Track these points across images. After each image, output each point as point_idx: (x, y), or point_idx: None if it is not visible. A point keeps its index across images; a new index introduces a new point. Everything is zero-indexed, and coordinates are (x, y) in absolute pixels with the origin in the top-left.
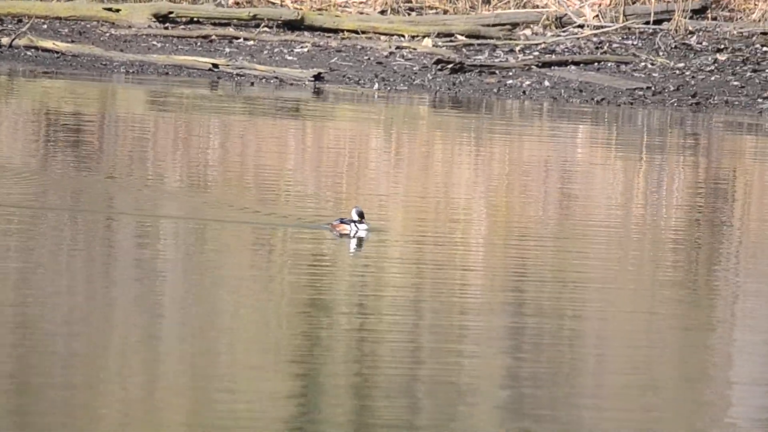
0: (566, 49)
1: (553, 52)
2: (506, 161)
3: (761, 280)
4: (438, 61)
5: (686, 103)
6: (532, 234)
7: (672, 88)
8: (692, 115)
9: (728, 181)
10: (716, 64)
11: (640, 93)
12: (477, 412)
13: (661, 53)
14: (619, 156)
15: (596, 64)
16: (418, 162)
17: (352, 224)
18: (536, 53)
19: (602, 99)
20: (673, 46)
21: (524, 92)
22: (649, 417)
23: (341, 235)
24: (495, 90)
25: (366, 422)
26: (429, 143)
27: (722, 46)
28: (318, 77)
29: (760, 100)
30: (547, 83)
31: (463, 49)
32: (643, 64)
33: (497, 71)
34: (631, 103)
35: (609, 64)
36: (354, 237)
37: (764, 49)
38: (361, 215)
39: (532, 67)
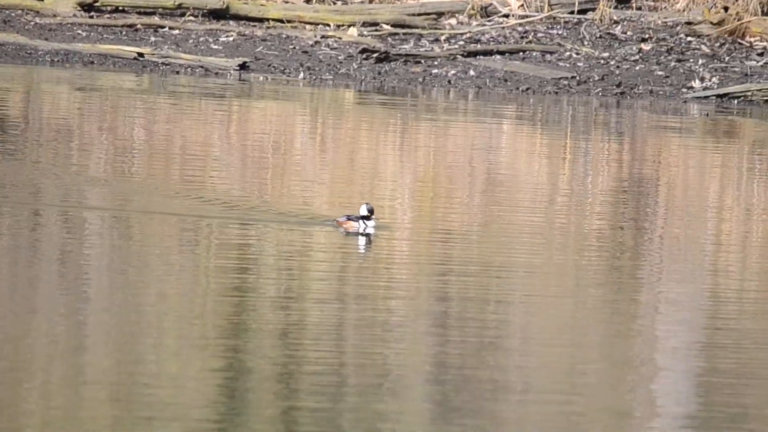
0: (491, 39)
1: (478, 41)
2: (431, 150)
3: (685, 264)
4: (363, 51)
5: (611, 93)
6: (457, 222)
7: (597, 78)
8: (617, 104)
9: (652, 168)
10: (641, 54)
11: (565, 82)
12: (402, 401)
13: (585, 43)
14: (544, 144)
15: (521, 53)
16: (343, 151)
17: (360, 221)
18: (461, 43)
19: (527, 88)
20: (597, 35)
21: (449, 81)
22: (572, 399)
23: (348, 233)
24: (420, 79)
25: (291, 407)
26: (355, 132)
27: (647, 36)
28: (243, 66)
29: (684, 90)
30: (472, 72)
31: (389, 39)
32: (568, 53)
33: (422, 60)
34: (556, 93)
35: (534, 54)
36: (362, 234)
37: (688, 38)
38: (371, 212)
39: (458, 56)
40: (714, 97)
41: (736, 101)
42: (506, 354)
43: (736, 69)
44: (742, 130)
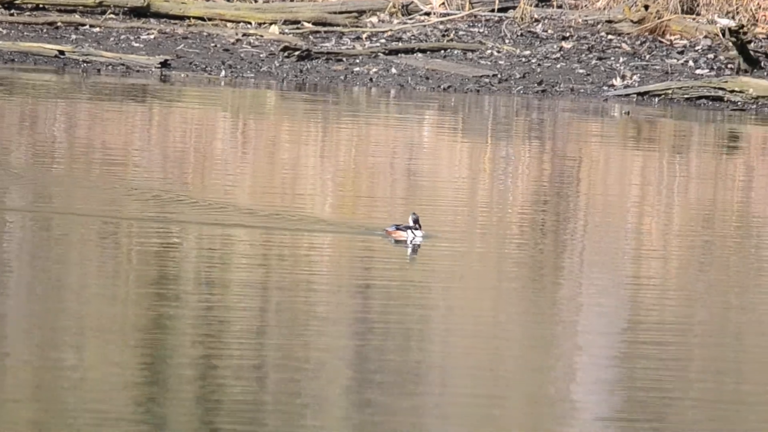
0: (413, 37)
1: (399, 39)
2: (352, 149)
3: (605, 257)
4: (285, 49)
5: (532, 91)
6: (378, 219)
7: (518, 76)
8: (538, 102)
9: (572, 165)
10: (562, 52)
11: (487, 80)
12: (323, 389)
13: (507, 41)
14: (465, 143)
15: (443, 51)
16: (264, 149)
17: (408, 231)
18: (383, 41)
19: (449, 86)
20: (518, 33)
21: (371, 79)
22: (492, 392)
23: (397, 242)
24: (342, 77)
25: (214, 400)
26: (276, 130)
27: (567, 34)
28: (164, 64)
29: (605, 88)
30: (393, 71)
31: (310, 37)
32: (489, 51)
33: (344, 59)
34: (478, 91)
35: (455, 52)
36: (411, 244)
37: (609, 37)
38: (416, 222)
39: (379, 54)
40: (635, 95)
41: (656, 99)
42: (427, 347)
43: (657, 67)
44: (662, 127)
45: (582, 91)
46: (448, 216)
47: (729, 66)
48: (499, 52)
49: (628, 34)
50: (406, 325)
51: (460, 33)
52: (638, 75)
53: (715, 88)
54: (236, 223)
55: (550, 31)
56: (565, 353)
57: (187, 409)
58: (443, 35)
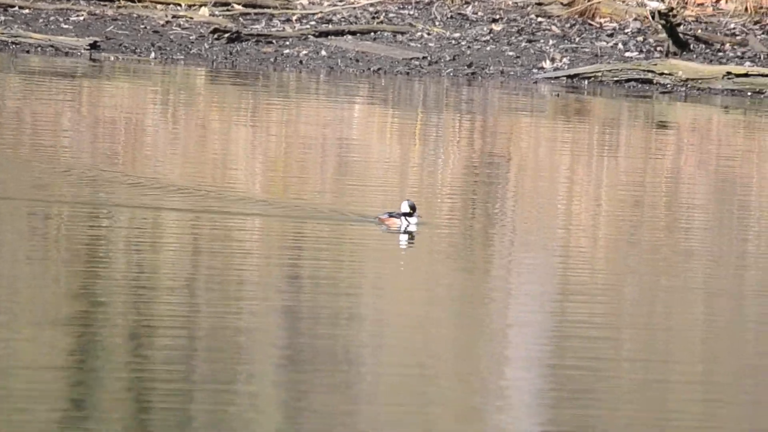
0: (343, 19)
1: (329, 21)
2: (282, 132)
3: (535, 241)
4: (215, 31)
5: (462, 73)
6: (308, 204)
7: (448, 58)
8: (468, 84)
9: (502, 147)
10: (491, 35)
11: (417, 63)
12: (253, 369)
13: (437, 23)
14: (395, 124)
15: (373, 33)
16: (194, 133)
17: (402, 218)
18: (313, 23)
19: (379, 69)
20: (449, 16)
21: (301, 62)
22: (424, 371)
23: (390, 230)
24: (272, 59)
25: (143, 381)
26: (206, 112)
27: (497, 17)
28: (94, 46)
29: (535, 70)
30: (323, 53)
31: (240, 19)
32: (419, 33)
33: (274, 41)
34: (408, 73)
35: (385, 34)
36: (404, 231)
37: (539, 19)
38: (413, 208)
39: (309, 36)
40: (564, 78)
41: (586, 81)
42: (359, 329)
43: (587, 50)
44: (591, 109)
45: (512, 73)
46: (377, 195)
47: (658, 49)
48: (429, 34)
49: (558, 16)
50: (338, 305)
51: (390, 15)
52: (568, 57)
53: (644, 70)
54: (169, 205)
55: (480, 14)
56: (496, 331)
57: (116, 392)
58: (373, 17)
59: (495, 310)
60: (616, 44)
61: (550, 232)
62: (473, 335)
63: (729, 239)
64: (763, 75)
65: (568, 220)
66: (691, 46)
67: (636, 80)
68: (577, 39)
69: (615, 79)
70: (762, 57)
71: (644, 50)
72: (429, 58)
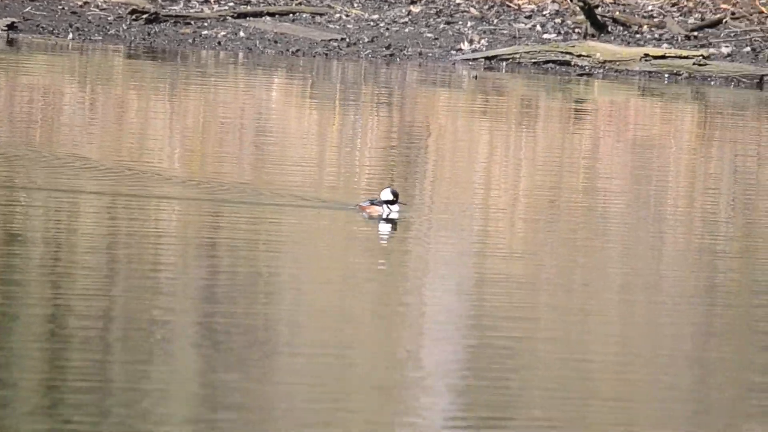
0: (261, 0)
1: (248, 2)
2: (200, 113)
3: (452, 223)
4: (133, 11)
5: (380, 55)
6: (225, 185)
7: (366, 40)
8: (386, 66)
9: (420, 129)
10: (410, 16)
11: (335, 44)
12: (170, 348)
13: (355, 4)
14: (314, 106)
15: (291, 15)
16: (111, 114)
17: (384, 205)
18: (231, 4)
19: (297, 50)
20: None
21: (219, 43)
22: (341, 351)
23: (371, 217)
24: (190, 40)
25: (58, 364)
26: (123, 92)
27: None
28: (11, 27)
29: (453, 52)
30: (242, 34)
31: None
32: (337, 15)
33: (192, 22)
34: (326, 54)
35: (304, 15)
36: (385, 219)
37: (457, 1)
38: (395, 195)
39: (228, 17)
40: (483, 59)
41: (504, 63)
42: (277, 307)
43: (505, 31)
44: (509, 91)
45: (430, 55)
46: (296, 176)
47: (576, 30)
48: (347, 15)
49: None
50: (255, 283)
51: None
52: (486, 39)
53: (562, 52)
54: (83, 185)
55: None
56: (412, 313)
57: (27, 372)
58: None
59: (412, 292)
60: (534, 26)
61: (467, 214)
62: (389, 317)
63: (645, 219)
64: (680, 57)
65: (485, 203)
66: (609, 28)
67: (554, 62)
68: (496, 21)
69: (533, 60)
70: (679, 39)
71: (562, 32)
72: (347, 40)
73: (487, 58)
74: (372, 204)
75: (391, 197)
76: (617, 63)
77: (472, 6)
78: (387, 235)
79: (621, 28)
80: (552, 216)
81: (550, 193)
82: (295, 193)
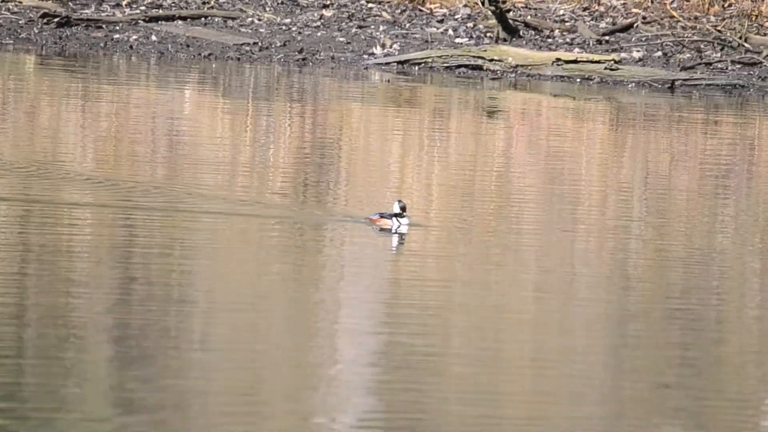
0: (173, 4)
1: (160, 6)
2: (113, 117)
3: (368, 228)
4: (44, 15)
5: (293, 59)
6: (141, 187)
7: (279, 44)
8: (299, 70)
9: (333, 132)
10: (322, 20)
11: (247, 48)
12: (84, 351)
13: (267, 9)
14: (226, 110)
15: (203, 19)
16: (23, 119)
17: (394, 219)
18: (143, 8)
19: (209, 54)
20: (279, 1)
21: (131, 47)
22: (254, 346)
23: (381, 230)
24: (102, 44)
25: None
26: (35, 96)
27: (328, 2)
28: None
29: (365, 56)
30: (154, 38)
31: (70, 3)
32: (250, 19)
33: (104, 25)
34: (239, 59)
35: (216, 20)
36: (395, 232)
37: (369, 5)
38: (403, 209)
39: (139, 21)
40: (395, 64)
41: (417, 67)
42: (190, 310)
43: (417, 36)
44: (422, 95)
45: (342, 59)
46: (209, 178)
47: (488, 35)
48: (259, 19)
49: (389, 2)
50: (170, 286)
51: (221, 0)
52: (398, 43)
53: (474, 56)
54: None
55: None
56: (326, 312)
57: None
58: (204, 2)
59: (325, 292)
60: (447, 30)
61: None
62: (302, 321)
63: (558, 219)
64: (591, 61)
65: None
66: (521, 32)
67: (466, 66)
68: (408, 25)
69: (445, 65)
70: (591, 43)
71: (474, 36)
72: (260, 44)
73: (399, 62)
74: (382, 217)
75: (399, 210)
76: (529, 67)
77: (384, 10)
78: (302, 239)
79: (533, 32)
80: (465, 216)
81: (464, 195)
82: (204, 193)
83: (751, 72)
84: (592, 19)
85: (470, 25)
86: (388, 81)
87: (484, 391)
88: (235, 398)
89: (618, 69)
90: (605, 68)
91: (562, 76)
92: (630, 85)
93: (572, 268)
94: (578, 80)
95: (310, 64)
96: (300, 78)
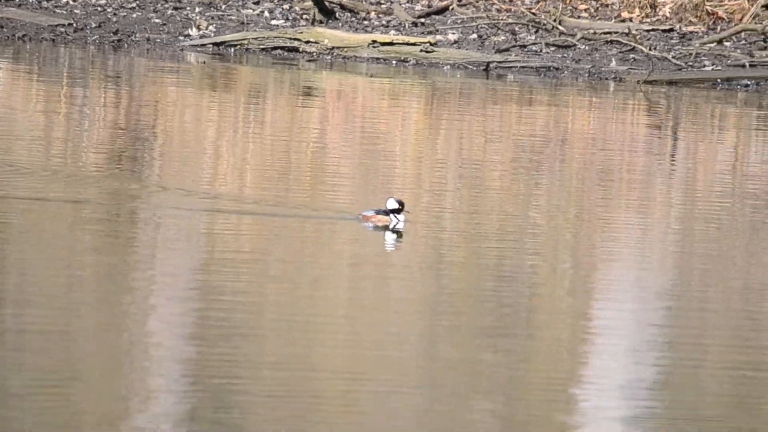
0: None
1: None
2: None
3: (183, 202)
4: None
5: (108, 41)
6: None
7: (94, 25)
8: (114, 52)
9: (149, 114)
10: (138, 1)
11: (62, 30)
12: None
13: None
14: (40, 92)
15: (17, 0)
16: None
17: (391, 215)
18: None
19: (24, 35)
20: None
21: None
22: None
23: (376, 227)
24: None
25: None
26: None
27: None
28: None
29: (181, 38)
30: None
31: None
32: (65, 0)
33: None
34: (53, 40)
35: (30, 0)
36: (392, 229)
37: None
38: (401, 204)
39: None
40: (211, 45)
41: (233, 49)
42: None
43: (233, 17)
44: (237, 77)
45: (158, 41)
46: (19, 155)
47: (304, 17)
48: (74, 0)
49: None
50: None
51: None
52: (214, 25)
53: (290, 38)
54: None
55: None
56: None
57: None
58: None
59: (140, 286)
60: (263, 12)
61: (194, 201)
62: (115, 313)
63: (373, 198)
64: (407, 44)
65: (214, 187)
66: (337, 15)
67: (282, 48)
68: (224, 6)
69: (261, 47)
70: (407, 26)
71: (291, 18)
72: (75, 25)
73: (215, 44)
74: (377, 213)
75: (396, 206)
76: (345, 49)
77: None
78: (115, 227)
79: (349, 14)
80: (279, 195)
81: (280, 177)
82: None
83: (565, 54)
84: (407, 2)
85: (286, 6)
86: (204, 62)
87: (294, 393)
88: (50, 396)
89: (433, 51)
90: (421, 50)
91: (378, 59)
92: (445, 68)
93: (382, 241)
94: (394, 62)
95: (126, 45)
96: (115, 59)
